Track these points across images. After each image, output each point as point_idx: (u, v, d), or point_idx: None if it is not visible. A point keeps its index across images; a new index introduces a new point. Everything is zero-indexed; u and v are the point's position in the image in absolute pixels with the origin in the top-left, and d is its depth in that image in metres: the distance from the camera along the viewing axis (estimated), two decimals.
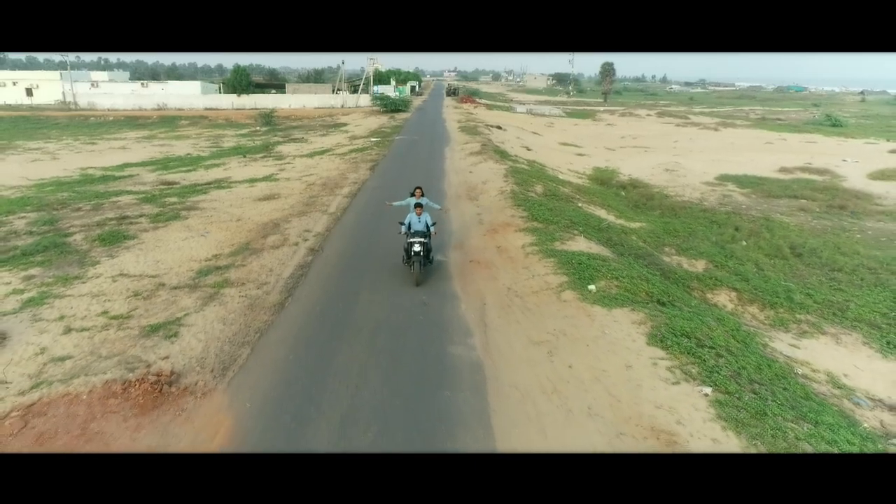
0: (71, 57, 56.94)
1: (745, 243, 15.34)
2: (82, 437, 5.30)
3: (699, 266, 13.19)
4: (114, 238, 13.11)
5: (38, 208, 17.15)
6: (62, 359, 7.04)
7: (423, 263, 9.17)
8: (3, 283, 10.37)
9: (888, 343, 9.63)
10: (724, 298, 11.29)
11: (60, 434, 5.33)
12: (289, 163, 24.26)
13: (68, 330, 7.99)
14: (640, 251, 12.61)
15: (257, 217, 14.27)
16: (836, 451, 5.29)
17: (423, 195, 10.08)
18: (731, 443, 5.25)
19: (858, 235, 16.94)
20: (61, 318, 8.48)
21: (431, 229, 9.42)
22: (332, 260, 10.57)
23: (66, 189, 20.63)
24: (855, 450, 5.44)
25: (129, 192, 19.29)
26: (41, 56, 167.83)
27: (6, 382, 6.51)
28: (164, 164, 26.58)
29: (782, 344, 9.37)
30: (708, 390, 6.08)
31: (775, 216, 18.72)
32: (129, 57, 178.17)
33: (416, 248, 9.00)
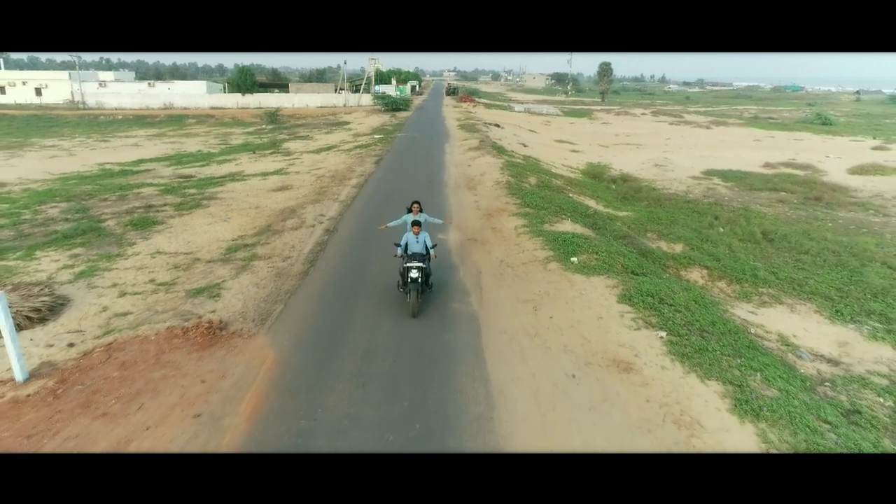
0: (71, 57, 58.15)
1: (721, 230, 16.63)
2: (156, 364, 6.62)
3: (677, 248, 14.49)
4: (144, 223, 14.44)
5: (67, 199, 18.45)
6: (124, 314, 8.36)
7: (420, 290, 7.95)
8: (53, 260, 11.71)
9: (837, 312, 10.90)
10: (696, 275, 12.57)
11: (139, 363, 6.65)
12: (297, 158, 25.59)
13: (123, 294, 9.31)
14: (622, 234, 13.93)
15: (274, 205, 15.59)
16: (758, 376, 6.60)
17: (420, 211, 8.93)
18: (676, 369, 6.57)
19: (829, 224, 18.25)
20: (114, 285, 9.79)
21: (431, 252, 8.21)
22: (346, 238, 11.92)
23: (89, 182, 21.91)
24: (777, 376, 6.74)
25: (149, 185, 20.60)
26: (43, 56, 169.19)
27: (82, 331, 7.84)
28: (178, 159, 27.86)
29: (742, 311, 10.66)
30: (663, 334, 7.41)
31: (754, 207, 20.02)
32: (129, 57, 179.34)
33: (414, 273, 7.73)
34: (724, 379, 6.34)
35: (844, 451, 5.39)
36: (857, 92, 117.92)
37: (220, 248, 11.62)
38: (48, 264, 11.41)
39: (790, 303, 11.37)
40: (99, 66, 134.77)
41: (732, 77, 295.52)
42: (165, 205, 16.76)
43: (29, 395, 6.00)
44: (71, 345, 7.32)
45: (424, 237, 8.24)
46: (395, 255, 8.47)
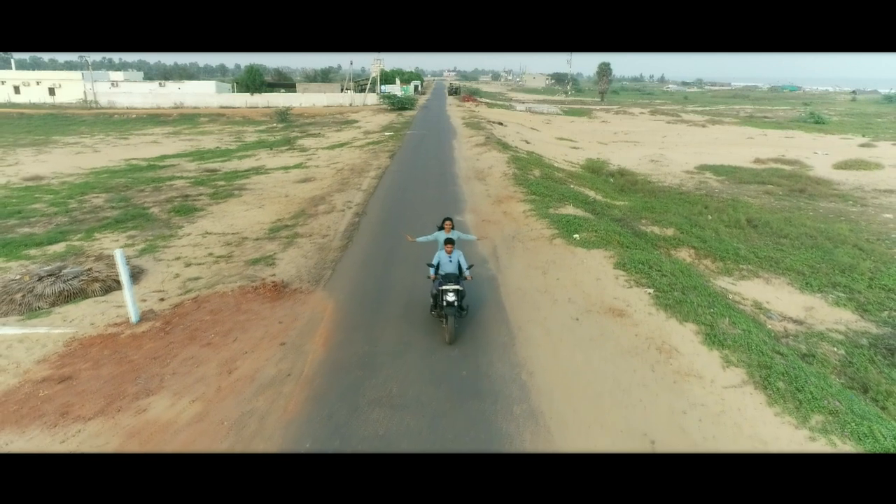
0: (73, 57, 59.78)
1: (710, 217, 18.16)
2: (238, 311, 8.15)
3: (668, 232, 15.99)
4: (186, 210, 15.95)
5: (106, 190, 19.95)
6: (196, 278, 9.88)
7: (457, 315, 7.32)
8: (113, 240, 13.22)
9: (807, 284, 12.40)
10: (684, 254, 14.08)
11: (224, 311, 8.18)
12: (313, 154, 27.12)
13: (189, 264, 10.82)
14: (618, 218, 15.46)
15: (302, 194, 17.11)
16: (727, 320, 8.12)
17: (453, 228, 8.35)
18: (660, 315, 8.09)
19: (810, 213, 19.80)
20: (178, 258, 11.30)
21: (466, 272, 7.65)
22: (375, 220, 13.48)
23: (121, 176, 23.40)
24: (742, 322, 8.25)
25: (179, 178, 22.11)
26: (46, 56, 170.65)
27: (164, 290, 9.36)
28: (199, 155, 29.36)
29: (723, 283, 12.18)
30: (650, 290, 8.94)
31: (742, 198, 21.56)
32: (130, 56, 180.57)
33: (450, 297, 7.15)
34: (699, 321, 7.87)
35: (796, 363, 6.88)
36: (853, 92, 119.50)
37: (263, 229, 13.14)
38: (109, 243, 12.91)
39: (766, 277, 12.89)
40: (101, 66, 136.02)
41: (731, 77, 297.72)
42: (200, 195, 18.27)
43: (144, 332, 7.53)
44: (161, 299, 8.84)
45: (458, 256, 7.71)
46: (429, 277, 7.86)
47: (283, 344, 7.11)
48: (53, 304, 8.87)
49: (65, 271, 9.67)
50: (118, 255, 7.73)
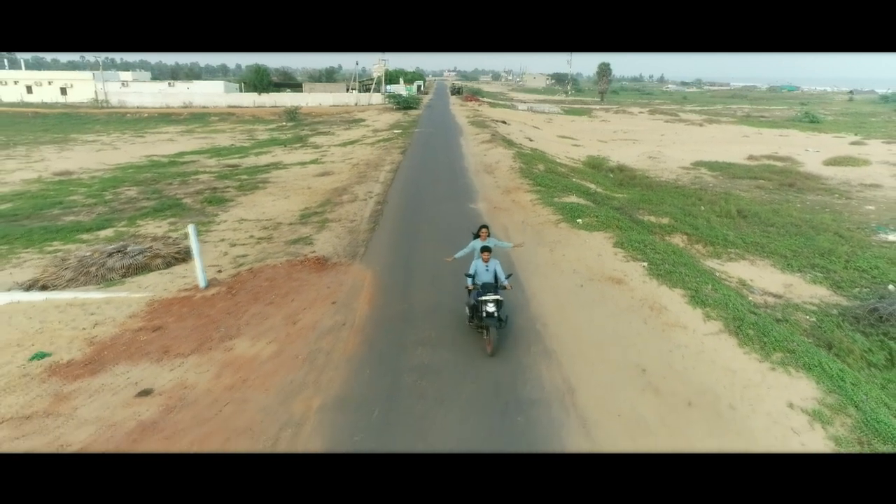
0: (75, 57, 61.06)
1: (703, 208, 19.48)
2: (290, 279, 9.46)
3: (664, 221, 17.32)
4: (217, 200, 17.26)
5: (136, 184, 21.25)
6: (244, 255, 11.18)
7: (497, 327, 7.02)
8: (156, 226, 14.55)
9: (788, 265, 13.70)
10: (677, 240, 15.39)
11: (277, 279, 9.49)
12: (327, 150, 28.44)
13: (234, 245, 12.12)
14: (618, 207, 16.79)
15: (323, 186, 18.42)
16: (709, 287, 9.43)
17: (489, 235, 8.13)
18: (652, 282, 9.41)
19: (798, 205, 21.12)
20: (222, 240, 12.60)
21: (505, 282, 7.45)
22: (396, 207, 14.82)
23: (147, 171, 24.71)
24: (723, 289, 9.56)
25: (203, 173, 23.41)
26: (48, 56, 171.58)
27: (219, 265, 10.65)
28: (216, 152, 30.66)
29: (712, 264, 13.49)
30: (645, 263, 10.27)
31: (734, 191, 22.88)
32: (132, 57, 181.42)
33: (490, 308, 6.93)
34: (686, 287, 9.19)
35: (766, 319, 8.17)
36: (851, 92, 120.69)
37: (294, 216, 14.46)
38: (153, 229, 14.23)
39: (752, 259, 14.20)
40: (106, 67, 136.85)
41: (730, 77, 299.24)
42: (227, 187, 19.58)
43: (213, 295, 8.85)
44: (219, 271, 10.15)
45: (495, 265, 7.52)
46: (466, 288, 7.60)
47: (333, 303, 8.43)
48: (124, 276, 10.17)
49: (129, 248, 10.98)
50: (191, 229, 9.04)
